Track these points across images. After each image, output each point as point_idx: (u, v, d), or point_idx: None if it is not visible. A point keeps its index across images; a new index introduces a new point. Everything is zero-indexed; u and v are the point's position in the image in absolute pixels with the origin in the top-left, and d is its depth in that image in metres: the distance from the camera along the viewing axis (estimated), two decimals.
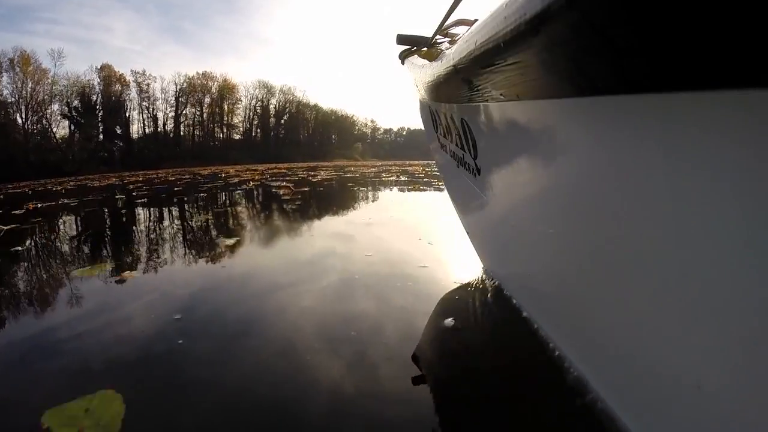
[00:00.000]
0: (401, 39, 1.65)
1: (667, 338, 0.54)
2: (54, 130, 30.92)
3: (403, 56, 1.76)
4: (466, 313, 1.42)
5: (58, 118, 31.31)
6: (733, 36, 0.28)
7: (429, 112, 1.72)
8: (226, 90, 42.47)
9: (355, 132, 57.04)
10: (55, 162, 26.68)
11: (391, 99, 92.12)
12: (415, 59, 1.54)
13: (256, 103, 45.36)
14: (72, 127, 31.92)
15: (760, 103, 0.32)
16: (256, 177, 11.62)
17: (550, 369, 1.01)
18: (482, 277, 1.76)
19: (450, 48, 0.94)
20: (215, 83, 41.86)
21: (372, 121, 59.92)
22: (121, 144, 34.58)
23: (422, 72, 1.27)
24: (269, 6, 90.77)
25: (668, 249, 0.49)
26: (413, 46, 1.62)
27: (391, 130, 62.04)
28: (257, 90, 45.45)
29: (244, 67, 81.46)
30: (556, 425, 0.85)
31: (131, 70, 37.93)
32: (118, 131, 34.81)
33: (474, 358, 1.14)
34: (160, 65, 74.93)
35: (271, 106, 46.78)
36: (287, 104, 47.93)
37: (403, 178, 9.47)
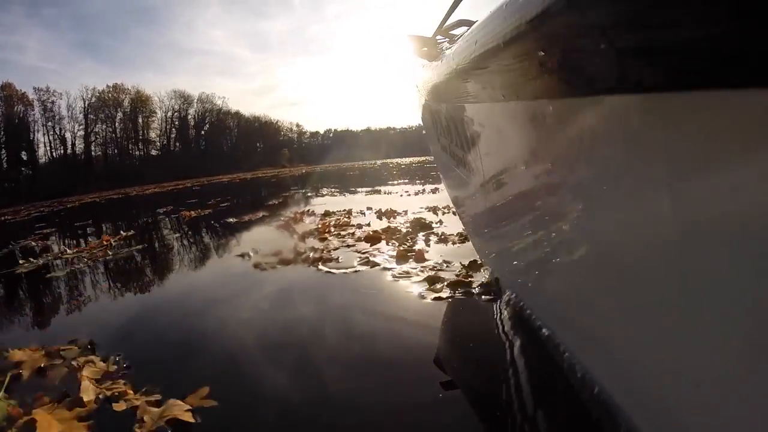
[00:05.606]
0: (401, 39, 1.67)
1: (663, 334, 0.56)
2: None
3: (404, 56, 1.79)
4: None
5: None
6: (732, 36, 0.28)
7: (430, 112, 1.75)
8: (140, 102, 41.52)
9: (281, 138, 57.84)
10: None
11: (313, 101, 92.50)
12: (415, 59, 1.59)
13: (173, 115, 44.88)
14: None
15: (760, 103, 0.32)
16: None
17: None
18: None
19: (450, 48, 0.94)
20: (127, 96, 40.83)
21: (297, 125, 61.25)
22: (29, 171, 33.14)
23: (422, 72, 1.32)
24: (189, 15, 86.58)
25: (665, 248, 0.50)
26: (413, 46, 1.65)
27: (317, 133, 64.00)
28: (173, 101, 44.87)
29: (164, 82, 77.99)
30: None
31: (34, 88, 35.66)
32: (24, 157, 33.26)
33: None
34: (77, 83, 70.59)
35: (190, 117, 46.44)
36: (206, 113, 47.82)
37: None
